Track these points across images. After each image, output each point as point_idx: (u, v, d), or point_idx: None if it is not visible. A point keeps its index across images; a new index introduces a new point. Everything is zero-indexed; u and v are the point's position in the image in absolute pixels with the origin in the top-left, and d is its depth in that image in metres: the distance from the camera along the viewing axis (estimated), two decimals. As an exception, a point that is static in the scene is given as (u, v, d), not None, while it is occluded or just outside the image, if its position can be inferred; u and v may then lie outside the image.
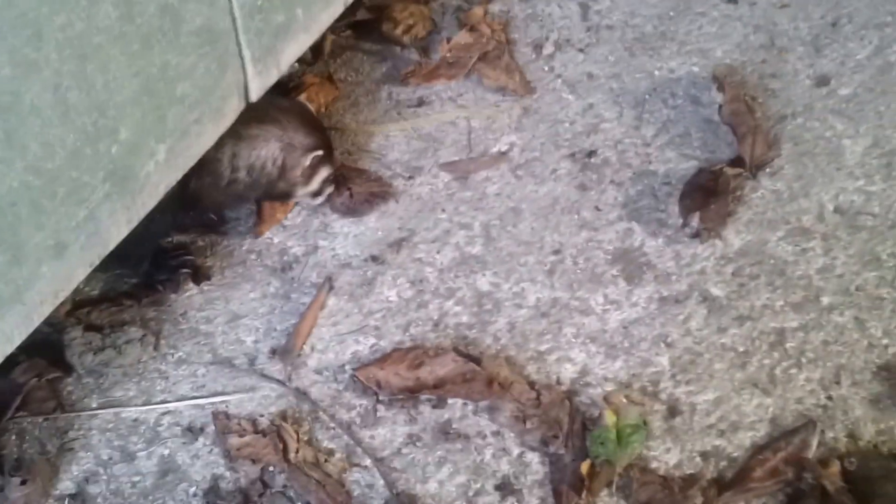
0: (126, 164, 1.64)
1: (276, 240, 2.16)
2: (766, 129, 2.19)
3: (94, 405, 1.96)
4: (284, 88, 2.39)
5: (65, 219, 1.55)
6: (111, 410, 1.95)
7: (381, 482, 1.81)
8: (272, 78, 1.98)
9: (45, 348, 2.00)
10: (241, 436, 1.87)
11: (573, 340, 1.94)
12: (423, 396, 1.89)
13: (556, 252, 2.07)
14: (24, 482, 1.83)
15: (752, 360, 1.88)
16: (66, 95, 1.47)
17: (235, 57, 1.84)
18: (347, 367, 1.96)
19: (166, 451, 1.89)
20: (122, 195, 1.65)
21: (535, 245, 2.09)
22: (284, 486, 1.82)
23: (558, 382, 1.89)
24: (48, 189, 1.49)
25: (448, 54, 2.46)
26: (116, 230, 1.68)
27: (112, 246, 1.68)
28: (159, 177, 1.73)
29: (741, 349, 1.89)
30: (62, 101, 1.46)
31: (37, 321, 1.60)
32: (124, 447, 1.90)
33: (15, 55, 1.36)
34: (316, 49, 2.50)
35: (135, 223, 1.72)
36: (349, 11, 2.27)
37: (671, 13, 2.48)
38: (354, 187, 2.20)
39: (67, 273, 1.61)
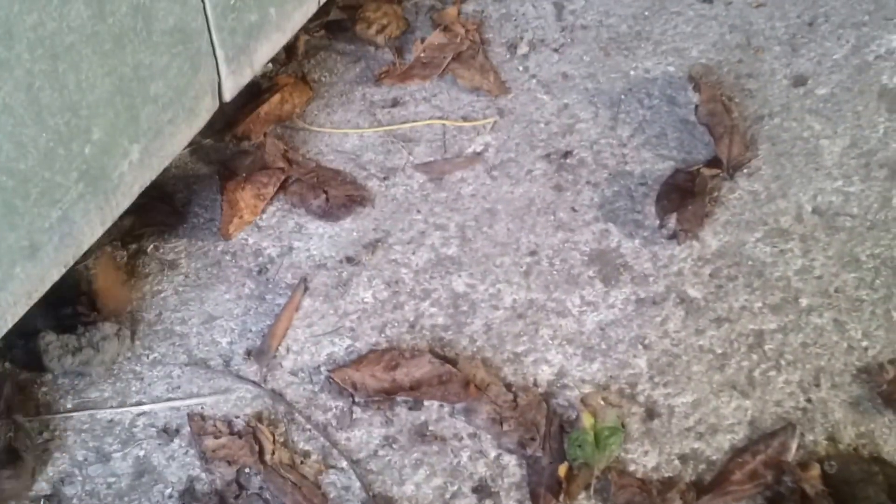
0: (99, 165, 1.62)
1: (250, 240, 2.14)
2: (743, 130, 2.19)
3: (70, 406, 1.93)
4: (258, 89, 2.37)
5: (38, 219, 1.53)
6: (86, 412, 1.92)
7: (358, 484, 1.79)
8: (246, 77, 1.97)
9: (23, 353, 1.98)
10: (216, 437, 1.85)
11: (550, 342, 1.93)
12: (400, 398, 1.88)
13: (533, 253, 2.06)
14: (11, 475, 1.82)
15: (730, 362, 1.87)
16: (39, 95, 1.45)
17: (209, 56, 1.82)
18: (323, 369, 1.94)
19: (142, 453, 1.86)
20: (95, 195, 1.63)
21: (510, 246, 2.08)
22: (260, 488, 1.80)
23: (535, 384, 1.88)
24: (21, 189, 1.47)
25: (422, 54, 2.44)
26: (90, 231, 1.66)
27: (86, 247, 1.67)
28: (133, 177, 1.71)
29: (719, 351, 1.89)
30: (35, 101, 1.44)
31: (10, 322, 1.58)
32: (100, 448, 1.88)
33: (-14, 54, 1.35)
34: (290, 49, 2.48)
35: (108, 224, 1.70)
36: (322, 11, 2.26)
37: (646, 13, 2.48)
38: (331, 190, 2.18)
39: (41, 274, 1.59)
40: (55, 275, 1.63)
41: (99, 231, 1.68)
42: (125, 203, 1.72)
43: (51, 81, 1.46)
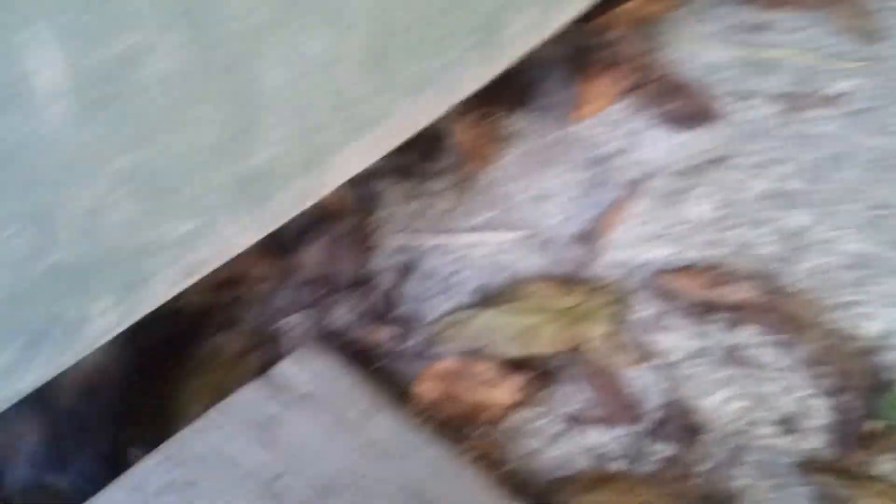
0: (492, 21, 1.65)
1: (592, 131, 2.14)
2: None
3: (389, 251, 1.98)
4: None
5: (431, 59, 1.56)
6: (405, 258, 1.97)
7: (660, 387, 1.79)
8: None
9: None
10: (529, 313, 1.88)
11: (881, 299, 1.88)
12: (716, 316, 1.86)
13: (879, 207, 2.00)
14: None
15: None
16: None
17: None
18: (644, 270, 1.93)
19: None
20: (485, 47, 1.66)
21: (856, 195, 2.02)
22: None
23: (858, 337, 1.83)
24: (418, 30, 1.51)
25: (797, -16, 2.39)
26: (470, 84, 1.70)
27: (462, 97, 1.70)
28: (523, 37, 1.74)
29: None
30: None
31: (389, 147, 1.63)
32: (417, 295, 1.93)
33: None
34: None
35: (486, 80, 1.73)
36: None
37: None
38: (680, 100, 2.17)
39: (424, 108, 1.63)
40: (435, 111, 1.66)
41: (476, 86, 1.71)
42: (506, 63, 1.75)
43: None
